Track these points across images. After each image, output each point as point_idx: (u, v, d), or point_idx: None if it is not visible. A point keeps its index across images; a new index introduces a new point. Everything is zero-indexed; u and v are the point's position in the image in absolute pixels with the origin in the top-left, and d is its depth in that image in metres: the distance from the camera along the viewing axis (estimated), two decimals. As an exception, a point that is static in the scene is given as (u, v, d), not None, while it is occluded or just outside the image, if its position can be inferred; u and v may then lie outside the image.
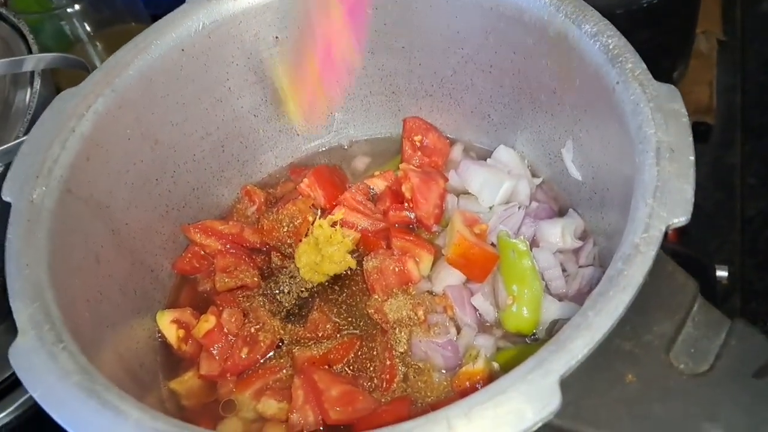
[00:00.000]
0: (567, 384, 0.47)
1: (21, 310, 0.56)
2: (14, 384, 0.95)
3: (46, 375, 0.52)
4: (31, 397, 0.91)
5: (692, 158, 0.53)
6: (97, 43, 1.23)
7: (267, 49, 0.82)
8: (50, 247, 0.62)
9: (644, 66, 0.60)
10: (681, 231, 1.15)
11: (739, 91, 1.36)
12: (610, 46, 0.62)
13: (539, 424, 0.44)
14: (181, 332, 0.78)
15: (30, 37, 1.02)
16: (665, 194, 0.52)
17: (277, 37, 0.81)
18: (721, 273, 1.06)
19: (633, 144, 0.57)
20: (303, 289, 0.81)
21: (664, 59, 1.29)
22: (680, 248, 1.11)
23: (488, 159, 0.85)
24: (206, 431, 0.50)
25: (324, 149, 0.95)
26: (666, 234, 0.52)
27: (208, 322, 0.76)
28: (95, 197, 0.71)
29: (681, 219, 0.51)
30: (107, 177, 0.73)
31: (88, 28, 1.23)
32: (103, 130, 0.72)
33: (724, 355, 0.50)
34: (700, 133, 1.28)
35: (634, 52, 0.62)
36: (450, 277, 0.77)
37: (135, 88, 0.74)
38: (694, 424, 0.47)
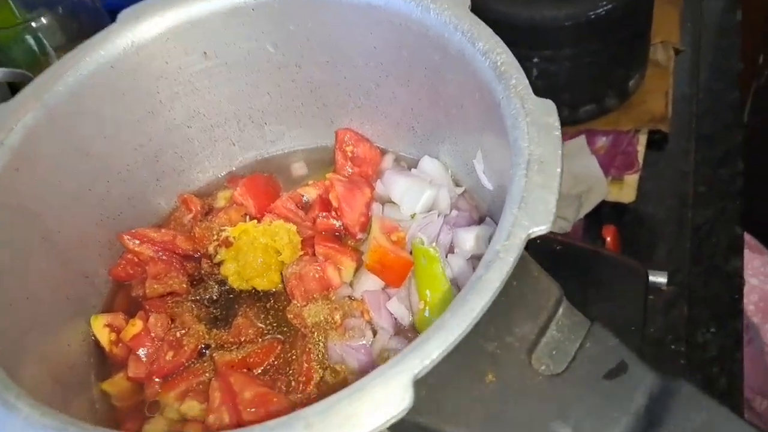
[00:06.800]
0: (428, 382, 0.50)
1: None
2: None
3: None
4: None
5: (559, 170, 0.56)
6: (65, 58, 1.27)
7: (197, 63, 0.85)
8: (-28, 255, 0.66)
9: (527, 82, 0.63)
10: (630, 239, 1.19)
11: (694, 100, 1.39)
12: (498, 63, 0.65)
13: (392, 421, 0.47)
14: (113, 335, 0.81)
15: (-17, 52, 1.06)
16: (529, 204, 0.55)
17: (205, 53, 0.85)
18: (659, 279, 1.08)
19: (511, 154, 0.60)
20: (231, 295, 0.85)
21: (617, 69, 1.32)
22: (616, 255, 1.14)
23: (413, 169, 0.89)
24: (95, 428, 0.53)
25: (260, 159, 0.98)
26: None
27: (135, 326, 0.79)
28: (25, 206, 0.74)
29: (542, 227, 0.54)
30: (37, 187, 0.76)
31: (55, 43, 1.26)
32: (33, 143, 0.75)
33: (579, 357, 0.53)
34: (656, 141, 1.32)
35: (519, 69, 0.65)
36: (369, 283, 0.81)
37: (65, 103, 0.77)
38: (545, 423, 0.50)
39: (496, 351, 0.53)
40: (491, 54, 0.66)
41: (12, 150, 0.73)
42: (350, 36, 0.82)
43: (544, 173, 0.56)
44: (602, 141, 1.33)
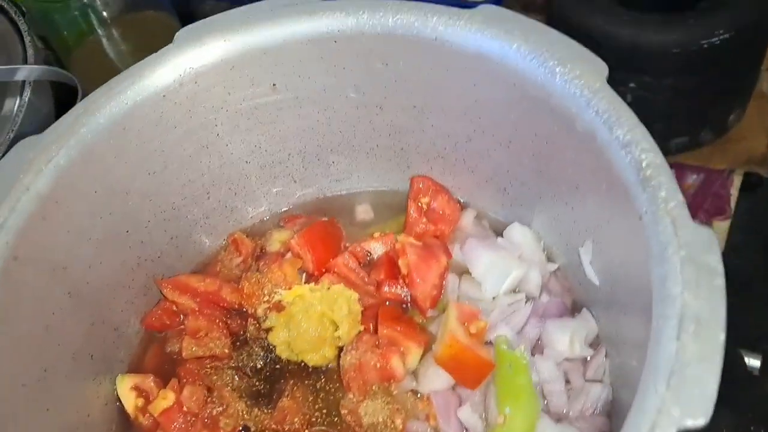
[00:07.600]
0: None
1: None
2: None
3: None
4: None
5: (723, 338, 0.44)
6: (113, 32, 1.16)
7: (263, 95, 0.73)
8: (-18, 327, 0.56)
9: (681, 198, 0.50)
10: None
11: (800, 139, 1.23)
12: (644, 164, 0.52)
13: None
14: (140, 401, 0.72)
15: (27, 38, 0.96)
16: (681, 383, 0.42)
17: (274, 85, 0.72)
18: (754, 362, 0.95)
19: (653, 298, 0.47)
20: (277, 366, 0.73)
21: (719, 101, 1.18)
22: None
23: (500, 238, 0.76)
24: None
25: (322, 197, 0.86)
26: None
27: (166, 399, 0.69)
28: (49, 259, 0.64)
29: (698, 421, 0.41)
30: (66, 235, 0.65)
31: (104, 15, 1.15)
32: (65, 186, 0.64)
33: None
34: (749, 185, 1.17)
35: (671, 177, 0.51)
36: (438, 379, 0.68)
37: (105, 137, 0.66)
38: None
39: None
40: (634, 148, 0.53)
41: (40, 197, 0.62)
42: (448, 84, 0.68)
43: (704, 341, 0.43)
44: (692, 179, 1.19)
